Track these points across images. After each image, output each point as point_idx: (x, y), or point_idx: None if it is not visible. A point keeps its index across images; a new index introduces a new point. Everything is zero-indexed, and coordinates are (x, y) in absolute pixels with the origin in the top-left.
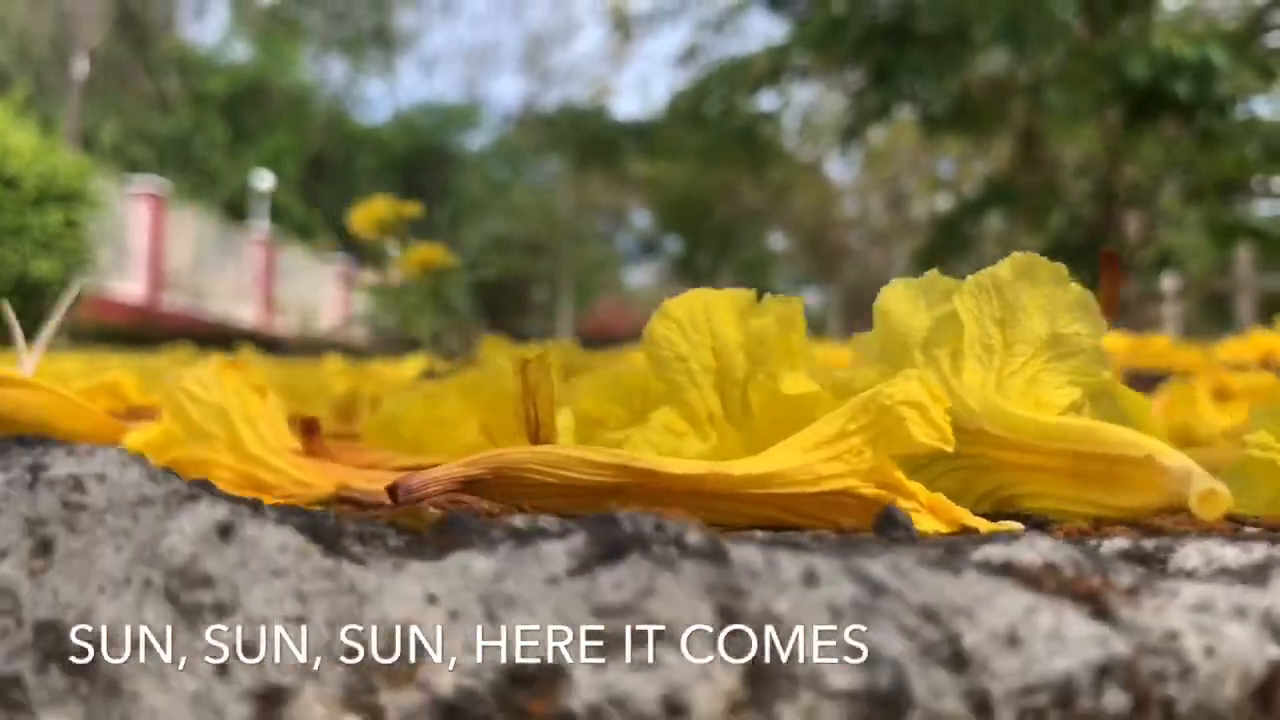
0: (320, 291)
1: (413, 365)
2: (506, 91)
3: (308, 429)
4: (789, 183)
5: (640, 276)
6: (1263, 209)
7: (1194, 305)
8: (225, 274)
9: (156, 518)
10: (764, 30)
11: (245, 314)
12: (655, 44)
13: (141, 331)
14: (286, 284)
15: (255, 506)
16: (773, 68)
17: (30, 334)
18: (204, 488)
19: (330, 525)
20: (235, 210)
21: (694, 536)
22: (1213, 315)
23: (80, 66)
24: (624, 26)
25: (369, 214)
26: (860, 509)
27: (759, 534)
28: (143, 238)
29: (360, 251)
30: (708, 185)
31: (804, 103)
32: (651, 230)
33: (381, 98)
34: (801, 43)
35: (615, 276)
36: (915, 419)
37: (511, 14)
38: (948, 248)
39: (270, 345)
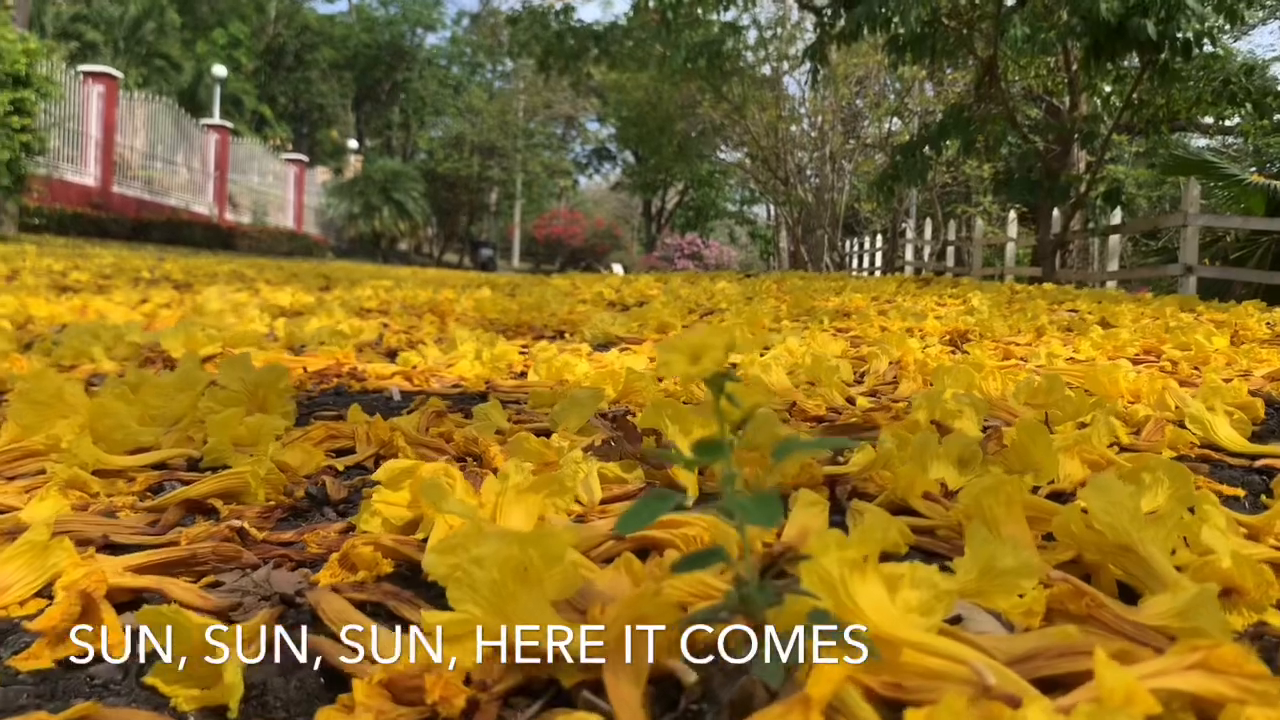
0: (273, 186)
1: None
2: None
3: None
4: (747, 98)
5: (592, 185)
6: (1203, 145)
7: (1132, 241)
8: (179, 164)
9: None
10: None
11: (199, 205)
12: None
13: (96, 219)
14: (240, 177)
15: None
16: None
17: None
18: None
19: None
20: (189, 101)
21: None
22: (1149, 253)
23: None
24: None
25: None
26: None
27: None
28: (95, 124)
29: (313, 148)
30: (666, 96)
31: (768, 17)
32: (606, 139)
33: None
34: None
35: (568, 183)
36: None
37: None
38: (905, 173)
39: (224, 239)
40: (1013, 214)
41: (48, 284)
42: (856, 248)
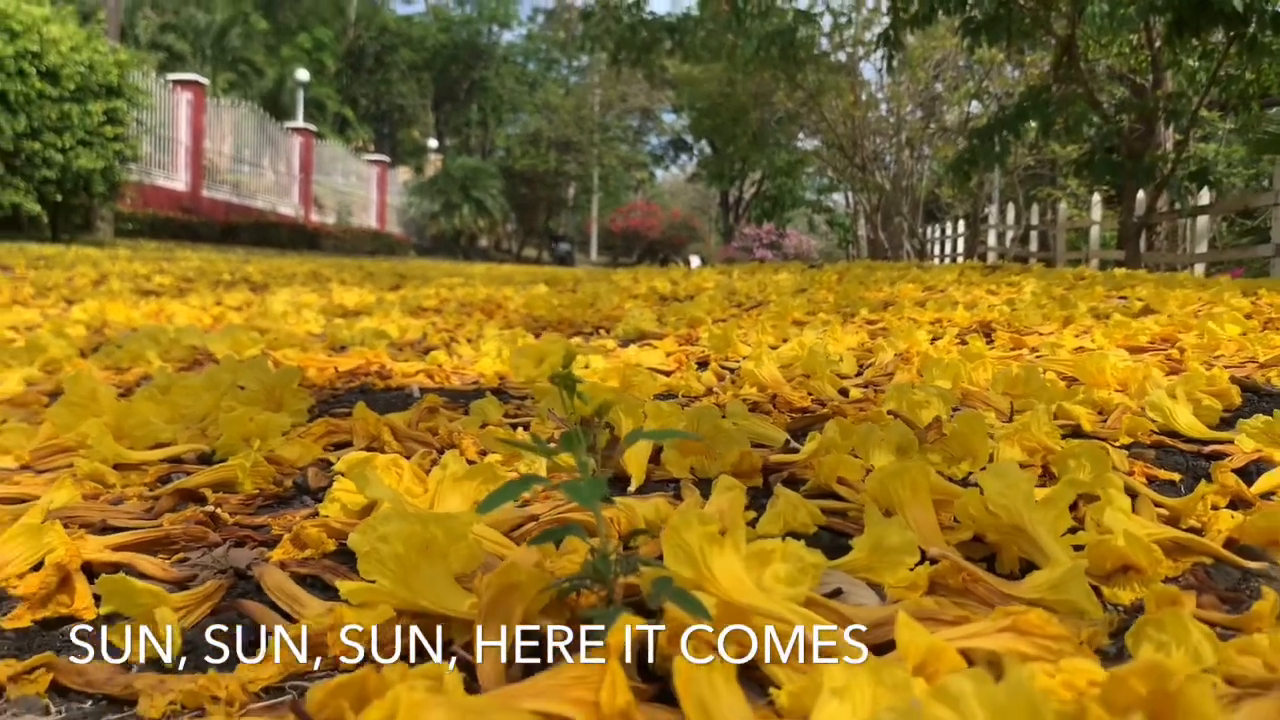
0: (356, 187)
1: None
2: None
3: None
4: (822, 85)
5: (669, 177)
6: None
7: (1222, 222)
8: (265, 167)
9: None
10: None
11: (285, 207)
12: None
13: (186, 223)
14: (323, 179)
15: None
16: None
17: (74, 226)
18: None
19: None
20: (273, 105)
21: None
22: (1244, 233)
23: None
24: None
25: None
26: None
27: None
28: (184, 130)
29: (394, 148)
30: (740, 87)
31: (842, 2)
32: (681, 130)
33: None
34: None
35: (644, 176)
36: None
37: None
38: (984, 156)
39: (310, 240)
40: (1096, 196)
41: (131, 288)
42: (938, 234)
